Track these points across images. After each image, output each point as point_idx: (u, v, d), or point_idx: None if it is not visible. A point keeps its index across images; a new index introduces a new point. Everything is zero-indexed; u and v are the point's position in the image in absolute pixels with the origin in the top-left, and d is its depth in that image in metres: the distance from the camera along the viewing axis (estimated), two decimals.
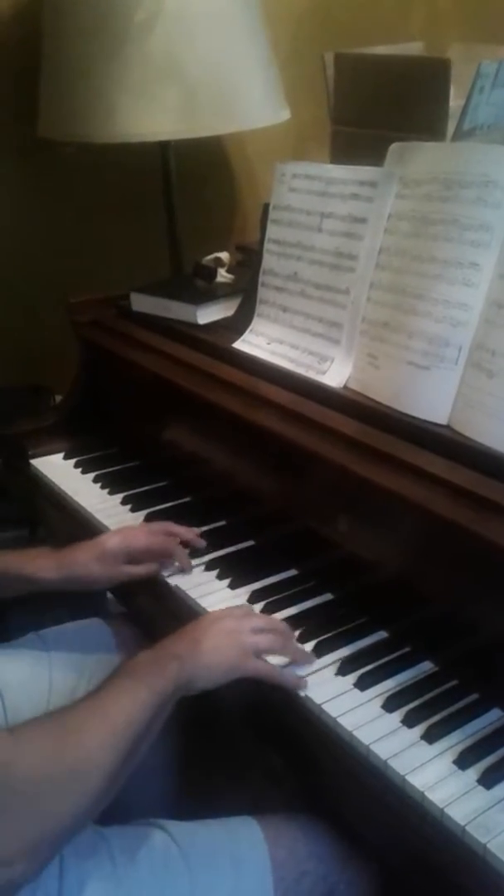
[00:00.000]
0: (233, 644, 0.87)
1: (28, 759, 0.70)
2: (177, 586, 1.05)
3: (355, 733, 0.81)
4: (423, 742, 0.80)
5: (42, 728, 0.74)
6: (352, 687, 0.87)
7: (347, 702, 0.85)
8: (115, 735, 0.75)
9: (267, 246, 1.18)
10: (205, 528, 1.15)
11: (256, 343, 1.18)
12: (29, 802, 0.68)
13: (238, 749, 1.16)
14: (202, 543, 1.11)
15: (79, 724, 0.75)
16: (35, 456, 1.38)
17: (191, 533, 1.11)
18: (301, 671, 0.89)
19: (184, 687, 0.83)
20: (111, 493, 1.27)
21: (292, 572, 1.05)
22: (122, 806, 0.89)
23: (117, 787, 0.75)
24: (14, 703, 1.01)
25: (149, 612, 1.10)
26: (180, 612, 1.03)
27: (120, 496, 1.25)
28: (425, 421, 0.94)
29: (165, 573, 1.07)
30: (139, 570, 1.06)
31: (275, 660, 0.90)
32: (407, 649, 0.91)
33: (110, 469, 1.33)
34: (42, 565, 1.04)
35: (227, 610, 0.94)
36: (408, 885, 0.84)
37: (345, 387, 1.05)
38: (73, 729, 0.74)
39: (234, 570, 1.06)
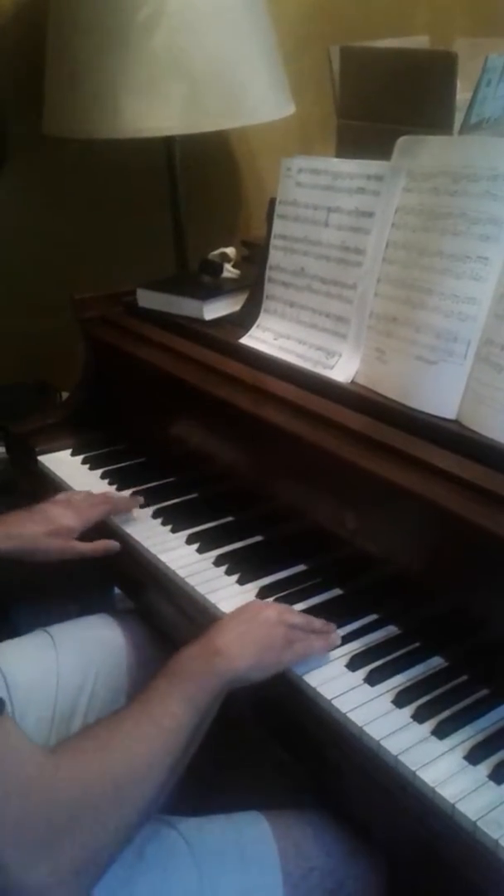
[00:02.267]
0: (278, 635, 0.85)
1: (73, 780, 0.67)
2: (185, 581, 1.05)
3: (365, 729, 0.81)
4: (433, 737, 0.80)
5: (86, 745, 0.71)
6: (362, 682, 0.87)
7: (357, 697, 0.85)
8: (165, 744, 0.72)
9: (273, 241, 1.18)
10: (213, 524, 1.15)
11: (263, 338, 1.18)
12: (73, 827, 0.65)
13: (246, 744, 1.16)
14: (139, 500, 1.18)
15: (125, 737, 0.71)
16: (42, 453, 1.38)
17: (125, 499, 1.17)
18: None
19: (231, 682, 0.80)
20: (119, 489, 1.27)
21: (301, 567, 1.05)
22: None
23: (167, 794, 0.72)
24: (22, 699, 1.01)
25: (157, 608, 1.10)
26: (189, 608, 1.03)
27: (128, 492, 1.25)
28: (433, 416, 0.94)
29: (117, 520, 1.14)
30: (89, 548, 1.07)
31: None
32: (417, 644, 0.91)
33: (118, 465, 1.33)
34: None
35: (264, 602, 0.93)
36: (416, 879, 0.84)
37: (352, 382, 1.05)
38: (120, 744, 0.70)
39: (243, 566, 1.05)
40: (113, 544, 1.10)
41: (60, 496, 1.16)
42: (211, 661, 0.79)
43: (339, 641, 0.91)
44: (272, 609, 0.89)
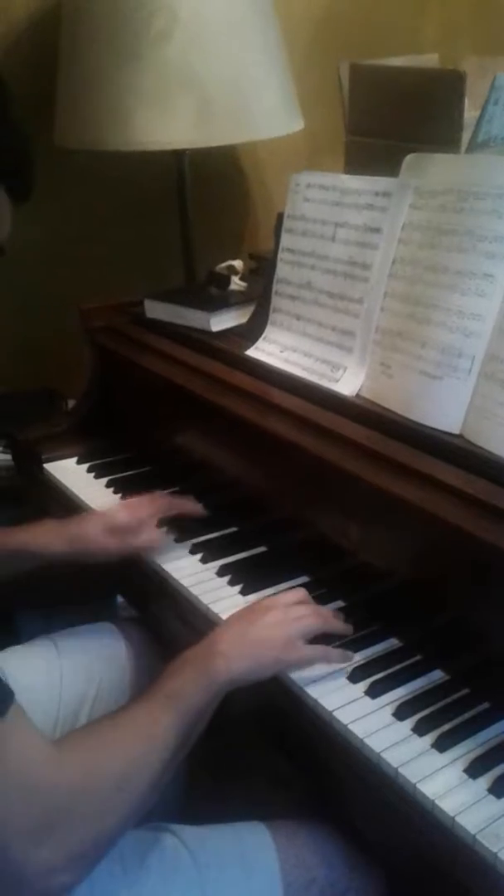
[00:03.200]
0: (279, 637, 0.87)
1: (76, 772, 0.70)
2: (188, 591, 1.05)
3: (366, 741, 0.81)
4: (433, 750, 0.80)
5: (89, 739, 0.74)
6: (363, 695, 0.87)
7: (358, 709, 0.85)
8: (162, 741, 0.75)
9: (281, 255, 1.19)
10: (217, 534, 1.16)
11: (269, 351, 1.19)
12: (74, 815, 0.68)
13: (247, 754, 1.16)
14: (201, 510, 1.15)
15: (125, 733, 0.75)
16: (48, 460, 1.39)
17: (189, 503, 1.15)
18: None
19: (231, 682, 0.83)
20: (124, 497, 1.27)
21: (304, 579, 1.06)
22: None
23: (160, 790, 0.76)
24: (25, 706, 1.00)
25: (159, 617, 1.10)
26: (191, 617, 1.04)
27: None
28: (438, 430, 0.95)
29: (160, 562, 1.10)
30: (143, 540, 1.07)
31: None
32: (418, 658, 0.92)
33: (123, 474, 1.34)
34: (50, 539, 1.04)
35: (270, 600, 0.93)
36: (416, 891, 0.85)
37: (357, 395, 1.06)
38: (121, 740, 0.74)
39: (246, 576, 1.06)
40: (158, 536, 1.10)
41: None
42: (209, 662, 0.82)
43: (351, 657, 0.91)
44: (279, 610, 0.89)
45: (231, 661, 0.82)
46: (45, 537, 1.04)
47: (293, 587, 1.04)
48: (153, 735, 0.75)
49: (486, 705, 0.85)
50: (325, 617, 0.92)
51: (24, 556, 1.04)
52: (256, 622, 0.87)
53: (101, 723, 0.77)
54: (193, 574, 1.08)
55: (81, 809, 0.68)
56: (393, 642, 0.95)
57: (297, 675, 0.89)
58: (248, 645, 0.85)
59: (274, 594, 1.03)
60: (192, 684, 0.80)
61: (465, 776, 0.77)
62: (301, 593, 0.95)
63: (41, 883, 0.66)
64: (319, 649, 0.89)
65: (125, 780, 0.72)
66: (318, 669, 0.90)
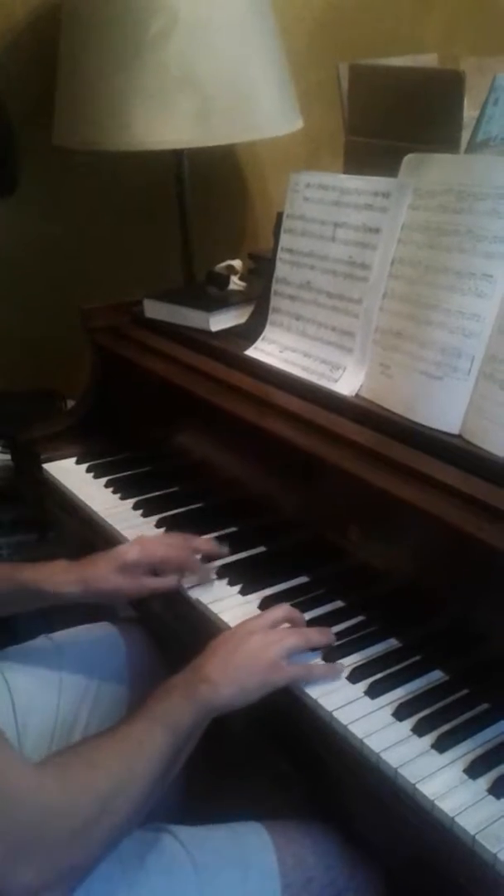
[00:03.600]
0: (263, 660, 0.86)
1: (59, 793, 0.70)
2: (188, 592, 1.05)
3: (366, 741, 0.81)
4: (433, 751, 0.80)
5: (73, 760, 0.74)
6: (363, 695, 0.87)
7: (358, 710, 0.85)
8: (146, 764, 0.75)
9: (280, 255, 1.19)
10: (216, 534, 1.16)
11: (269, 351, 1.19)
12: (56, 835, 0.68)
13: (246, 755, 1.16)
14: (224, 551, 1.09)
15: (109, 755, 0.75)
16: (47, 460, 1.39)
17: (209, 544, 1.09)
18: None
19: (218, 708, 0.83)
20: (123, 497, 1.27)
21: (303, 579, 1.06)
22: None
23: (148, 808, 0.76)
24: (25, 707, 1.01)
25: (159, 617, 1.10)
26: (190, 618, 1.04)
27: (132, 501, 1.26)
28: (437, 430, 0.95)
29: (186, 585, 1.05)
30: (159, 583, 1.04)
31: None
32: (418, 658, 0.92)
33: (122, 474, 1.34)
34: (63, 580, 1.01)
35: (252, 623, 0.92)
36: (415, 891, 0.85)
37: (357, 395, 1.06)
38: (104, 762, 0.74)
39: (245, 577, 1.06)
40: (178, 579, 1.06)
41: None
42: (195, 688, 0.82)
43: (341, 670, 0.90)
44: (258, 634, 0.89)
45: (217, 686, 0.83)
46: (58, 578, 1.01)
47: (291, 587, 1.05)
48: (138, 757, 0.75)
49: (485, 706, 0.85)
50: (306, 635, 0.92)
51: (35, 594, 1.02)
52: (239, 648, 0.87)
53: (85, 744, 0.78)
54: (193, 575, 1.08)
55: (63, 830, 0.69)
56: (392, 642, 0.95)
57: None
58: (233, 670, 0.85)
59: (272, 594, 1.03)
60: (179, 709, 0.80)
61: (464, 776, 0.77)
62: (283, 610, 0.94)
63: None
64: (303, 669, 0.89)
65: (109, 802, 0.72)
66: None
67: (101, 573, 1.02)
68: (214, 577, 1.07)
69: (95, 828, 0.71)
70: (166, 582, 1.04)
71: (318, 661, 0.91)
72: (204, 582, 1.06)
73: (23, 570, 1.03)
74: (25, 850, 0.66)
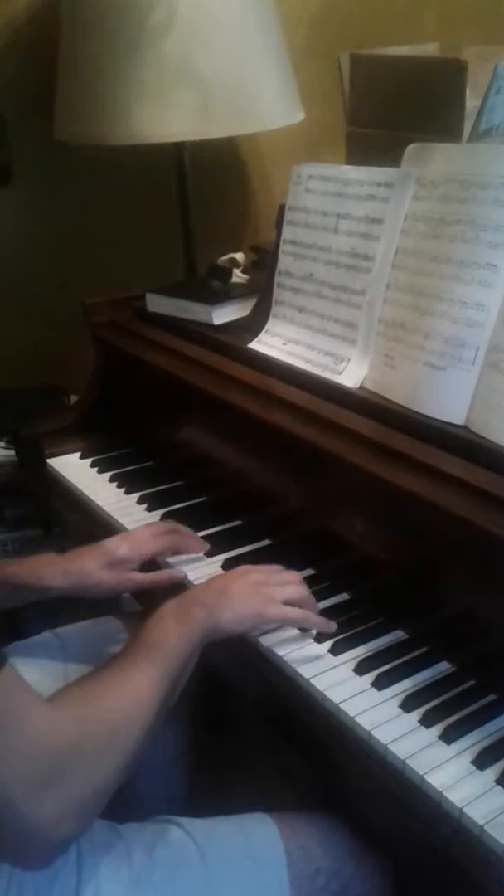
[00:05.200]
0: (259, 592, 0.90)
1: (72, 725, 0.72)
2: (194, 585, 1.05)
3: (373, 733, 0.81)
4: (441, 742, 0.80)
5: (81, 693, 0.76)
6: (369, 686, 0.87)
7: (365, 701, 0.85)
8: (151, 690, 0.78)
9: (283, 247, 1.19)
10: (221, 528, 1.15)
11: (272, 343, 1.18)
12: (73, 765, 0.70)
13: (252, 746, 1.16)
14: (205, 546, 1.11)
15: (115, 685, 0.78)
16: (51, 456, 1.39)
17: (194, 538, 1.11)
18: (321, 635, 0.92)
19: (210, 632, 0.86)
20: (127, 492, 1.27)
21: (309, 572, 1.06)
22: (136, 803, 0.90)
23: (154, 734, 0.79)
24: None
25: None
26: None
27: (136, 495, 1.26)
28: (442, 421, 0.95)
29: (172, 561, 1.08)
30: (147, 577, 1.05)
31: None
32: (424, 649, 0.91)
33: (126, 469, 1.34)
34: (48, 573, 1.01)
35: (255, 567, 0.96)
36: (423, 882, 0.85)
37: (361, 387, 1.05)
38: (111, 691, 0.77)
39: None
40: (177, 574, 1.07)
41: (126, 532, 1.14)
42: (189, 611, 0.85)
43: (334, 627, 0.93)
44: (259, 572, 0.93)
45: (210, 609, 0.86)
46: (41, 571, 1.02)
47: None
48: (140, 684, 0.78)
49: (493, 696, 0.85)
50: (310, 599, 0.94)
51: (19, 588, 1.02)
52: (238, 579, 0.91)
53: (89, 678, 0.79)
54: (198, 568, 1.08)
55: (79, 760, 0.71)
56: (399, 634, 0.94)
57: (303, 668, 0.89)
58: (227, 598, 0.88)
59: None
60: (174, 633, 0.83)
61: (472, 767, 0.77)
62: (294, 574, 0.97)
63: (48, 834, 0.69)
64: (299, 611, 0.92)
65: (117, 729, 0.75)
66: (325, 662, 0.90)
67: (87, 567, 1.02)
68: (211, 561, 1.08)
69: (107, 755, 0.73)
70: (151, 577, 1.06)
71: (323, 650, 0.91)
72: (195, 551, 1.09)
73: (8, 566, 1.04)
74: (45, 782, 0.68)
